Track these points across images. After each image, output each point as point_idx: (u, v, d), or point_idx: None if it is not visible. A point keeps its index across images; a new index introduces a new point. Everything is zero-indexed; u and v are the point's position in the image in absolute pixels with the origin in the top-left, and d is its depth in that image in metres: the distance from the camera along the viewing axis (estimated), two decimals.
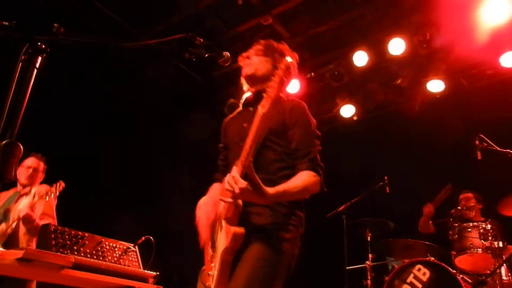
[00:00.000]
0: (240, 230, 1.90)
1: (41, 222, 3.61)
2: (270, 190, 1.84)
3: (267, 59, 2.22)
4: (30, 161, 4.07)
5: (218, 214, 2.06)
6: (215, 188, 2.28)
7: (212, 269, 2.02)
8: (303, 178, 1.97)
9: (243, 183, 1.77)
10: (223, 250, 1.92)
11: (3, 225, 3.70)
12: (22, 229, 3.63)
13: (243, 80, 2.30)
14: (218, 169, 2.39)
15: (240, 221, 1.94)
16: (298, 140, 2.06)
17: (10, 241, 3.60)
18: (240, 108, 2.37)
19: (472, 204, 4.65)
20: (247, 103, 2.30)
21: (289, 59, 1.78)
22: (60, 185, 3.49)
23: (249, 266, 1.88)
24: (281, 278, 1.93)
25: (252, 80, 2.24)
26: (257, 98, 2.20)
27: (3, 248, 3.40)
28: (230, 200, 1.86)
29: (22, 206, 3.63)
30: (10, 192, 4.12)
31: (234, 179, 1.79)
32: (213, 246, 2.09)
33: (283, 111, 2.13)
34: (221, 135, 2.42)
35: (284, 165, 2.05)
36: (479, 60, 5.24)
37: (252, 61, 2.22)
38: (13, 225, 3.63)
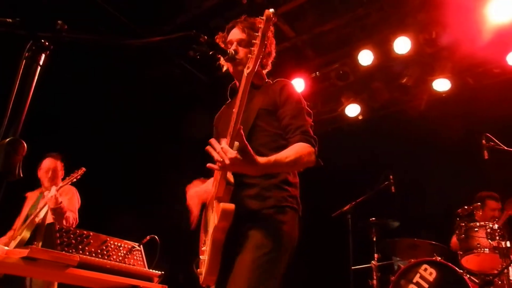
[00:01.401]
0: (230, 206, 1.83)
1: (68, 213, 3.83)
2: (261, 159, 1.79)
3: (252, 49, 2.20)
4: (48, 163, 4.20)
5: (210, 196, 2.03)
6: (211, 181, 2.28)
7: (204, 253, 1.98)
8: (296, 149, 1.93)
9: (232, 153, 1.72)
10: (213, 229, 1.87)
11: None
12: (49, 218, 3.77)
13: (223, 62, 2.25)
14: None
15: (236, 206, 1.87)
16: (289, 116, 2.04)
17: (39, 230, 3.74)
18: (229, 100, 2.35)
19: (499, 214, 4.57)
20: (234, 92, 2.28)
21: (270, 10, 1.76)
22: (81, 170, 3.61)
23: (250, 256, 1.85)
24: (283, 263, 1.91)
25: (242, 73, 2.22)
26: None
27: (32, 235, 3.63)
28: (217, 167, 1.79)
29: (47, 195, 3.76)
30: (36, 192, 4.29)
31: (223, 149, 1.73)
32: (205, 231, 2.06)
33: (273, 91, 2.13)
34: (214, 131, 2.41)
35: (277, 145, 2.01)
36: (485, 59, 5.20)
37: (240, 56, 2.15)
38: (40, 214, 3.77)
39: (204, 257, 1.97)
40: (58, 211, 3.71)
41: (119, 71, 4.86)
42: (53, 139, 4.27)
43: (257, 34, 1.95)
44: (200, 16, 5.15)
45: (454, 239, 4.51)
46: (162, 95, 5.44)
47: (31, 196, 4.27)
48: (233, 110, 1.85)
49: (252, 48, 1.78)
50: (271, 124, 2.06)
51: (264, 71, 2.30)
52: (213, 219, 1.92)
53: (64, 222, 3.77)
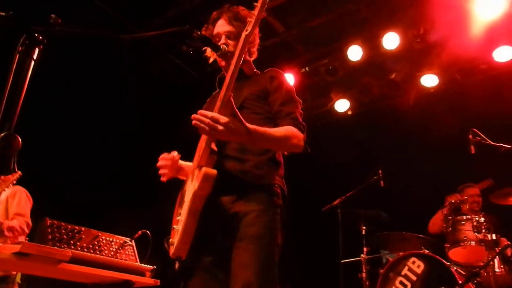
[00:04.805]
0: (212, 171, 1.81)
1: (11, 223, 3.65)
2: (251, 126, 1.79)
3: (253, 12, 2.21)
4: None
5: (190, 170, 2.02)
6: None
7: (179, 222, 1.96)
8: (286, 128, 1.96)
9: (224, 118, 1.72)
10: (192, 196, 1.84)
11: None
12: None
13: (209, 53, 2.27)
14: None
15: (226, 180, 1.88)
16: (279, 103, 2.06)
17: None
18: (217, 90, 2.34)
19: (480, 199, 4.72)
20: (222, 82, 2.23)
21: None
22: (17, 174, 3.43)
23: (253, 247, 1.83)
24: (279, 246, 1.93)
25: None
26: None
27: None
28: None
29: None
30: None
31: (214, 117, 1.72)
32: (182, 201, 2.05)
33: (263, 79, 2.16)
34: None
35: (266, 127, 2.00)
36: (472, 55, 5.27)
37: (231, 49, 2.13)
38: None
39: (178, 227, 1.94)
40: None
41: (110, 66, 4.82)
42: (44, 134, 4.22)
43: (243, 24, 2.00)
44: (191, 9, 5.11)
45: (432, 221, 4.76)
46: (153, 90, 5.40)
47: None
48: (225, 79, 1.84)
49: (252, 11, 1.81)
50: (261, 107, 2.07)
51: (251, 59, 2.30)
52: (192, 187, 1.90)
53: (9, 234, 3.55)
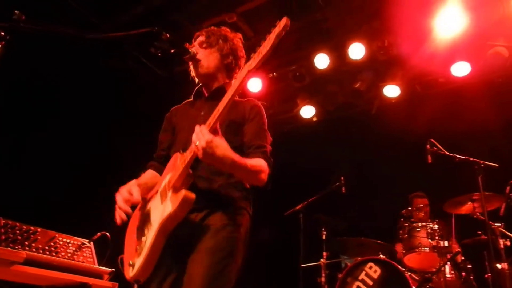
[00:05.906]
0: (191, 194, 1.82)
1: None
2: (233, 153, 1.81)
3: (213, 50, 2.22)
4: None
5: (155, 189, 2.00)
6: (148, 173, 2.24)
7: (142, 243, 1.93)
8: (259, 162, 1.99)
9: (211, 136, 1.73)
10: (166, 216, 1.84)
11: None
12: None
13: (193, 74, 2.27)
14: (154, 159, 2.32)
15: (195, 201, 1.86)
16: (253, 134, 2.10)
17: None
18: (191, 99, 2.33)
19: (427, 208, 4.91)
20: (200, 95, 2.29)
21: (285, 20, 1.77)
22: None
23: (206, 260, 1.84)
24: (238, 266, 1.94)
25: (206, 77, 2.24)
26: (218, 92, 2.19)
27: None
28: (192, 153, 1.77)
29: None
30: None
31: (202, 131, 1.74)
32: (145, 222, 2.01)
33: (243, 107, 2.18)
34: (165, 123, 2.37)
35: None
36: (432, 69, 5.51)
37: (201, 58, 2.19)
38: None
39: (142, 247, 1.91)
40: None
41: (73, 61, 4.68)
42: (1, 130, 4.04)
43: (219, 39, 2.01)
44: (159, 8, 5.05)
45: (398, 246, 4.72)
46: (116, 87, 5.29)
47: None
48: (202, 114, 1.94)
49: (261, 47, 1.78)
50: (235, 137, 2.07)
51: (232, 81, 2.28)
52: (162, 208, 1.89)
53: None
